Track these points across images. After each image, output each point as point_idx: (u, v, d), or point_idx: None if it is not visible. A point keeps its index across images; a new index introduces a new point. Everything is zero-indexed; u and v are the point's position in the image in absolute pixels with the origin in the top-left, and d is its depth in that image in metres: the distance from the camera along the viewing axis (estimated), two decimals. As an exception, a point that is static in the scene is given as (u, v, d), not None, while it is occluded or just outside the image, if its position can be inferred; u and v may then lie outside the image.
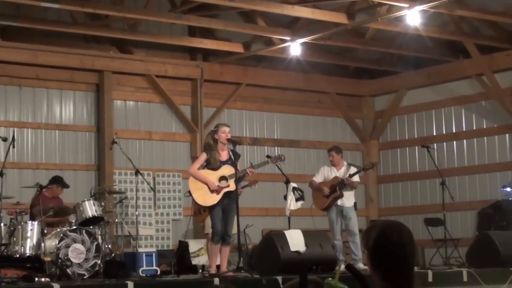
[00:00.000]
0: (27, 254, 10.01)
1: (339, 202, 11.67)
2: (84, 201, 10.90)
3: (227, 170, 9.86)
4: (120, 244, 12.45)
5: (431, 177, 14.93)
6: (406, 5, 12.18)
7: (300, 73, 15.54)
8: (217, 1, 12.33)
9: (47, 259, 9.65)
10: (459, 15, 13.68)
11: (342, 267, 9.09)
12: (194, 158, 13.49)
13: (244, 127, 15.42)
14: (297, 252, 10.11)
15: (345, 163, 12.07)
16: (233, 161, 9.92)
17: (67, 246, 10.05)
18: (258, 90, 15.52)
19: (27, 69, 13.15)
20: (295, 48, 14.04)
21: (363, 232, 11.51)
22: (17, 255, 9.99)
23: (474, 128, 15.26)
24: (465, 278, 10.47)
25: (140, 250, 11.92)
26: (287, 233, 10.33)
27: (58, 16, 13.38)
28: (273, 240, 10.17)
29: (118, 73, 13.99)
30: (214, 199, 9.81)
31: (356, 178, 11.85)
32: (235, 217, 9.87)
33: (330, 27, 13.62)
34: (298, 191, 10.75)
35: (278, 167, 10.64)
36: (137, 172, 12.18)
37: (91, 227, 10.75)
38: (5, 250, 10.14)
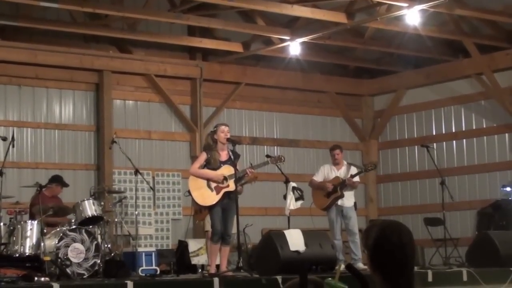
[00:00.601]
0: (27, 254, 10.01)
1: (339, 202, 11.66)
2: (84, 200, 10.90)
3: (226, 170, 9.85)
4: (119, 244, 12.46)
5: (431, 176, 14.92)
6: (406, 5, 12.17)
7: (299, 73, 15.54)
8: (217, 0, 12.33)
9: (47, 258, 9.65)
10: (459, 15, 13.68)
11: (342, 266, 9.08)
12: (193, 157, 13.49)
13: (244, 126, 15.42)
14: (297, 251, 10.11)
15: (345, 162, 12.07)
16: (232, 161, 9.92)
17: (67, 246, 10.05)
18: (258, 89, 15.52)
19: (27, 68, 13.14)
20: (294, 47, 14.03)
21: (362, 231, 11.55)
22: (17, 255, 10.00)
23: (474, 127, 15.26)
24: (464, 278, 10.47)
25: (139, 249, 11.93)
26: (287, 232, 10.33)
27: (57, 16, 13.38)
28: (273, 240, 10.17)
29: (118, 73, 13.99)
30: (213, 198, 9.81)
31: (356, 178, 11.86)
32: (235, 217, 9.87)
33: (329, 26, 13.62)
34: (298, 191, 10.74)
35: (277, 167, 10.63)
36: (136, 172, 12.19)
37: (91, 226, 10.76)
38: (5, 250, 10.14)
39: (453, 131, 15.57)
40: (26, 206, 11.04)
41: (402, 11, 12.37)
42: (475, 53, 14.64)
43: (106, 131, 13.55)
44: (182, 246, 12.71)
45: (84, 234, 10.24)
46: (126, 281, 8.64)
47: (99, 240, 10.55)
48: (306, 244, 10.21)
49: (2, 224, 10.38)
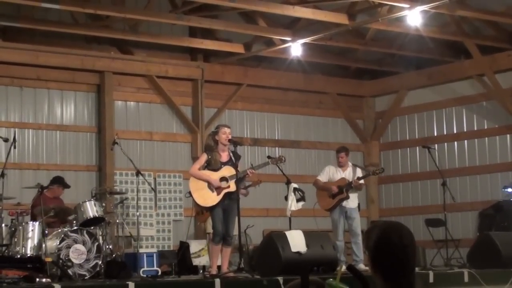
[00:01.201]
0: (28, 255, 10.00)
1: (343, 203, 11.66)
2: (85, 201, 10.89)
3: (227, 171, 9.86)
4: (121, 245, 12.44)
5: (432, 177, 14.92)
6: (407, 6, 12.18)
7: (300, 74, 15.54)
8: (218, 1, 12.33)
9: (48, 259, 9.64)
10: (460, 16, 13.68)
11: (343, 268, 9.08)
12: (195, 158, 13.48)
13: (245, 127, 15.42)
14: (298, 252, 10.10)
15: (350, 163, 12.05)
16: (233, 162, 9.92)
17: (68, 247, 10.05)
18: (259, 90, 15.52)
19: (28, 69, 13.15)
20: (295, 48, 14.04)
21: (364, 233, 11.53)
22: (18, 256, 9.99)
23: (475, 128, 15.26)
24: (466, 279, 10.47)
25: (141, 250, 11.92)
26: (288, 233, 10.32)
27: (59, 17, 13.39)
28: (274, 241, 10.16)
29: (119, 74, 14.00)
30: (214, 199, 9.81)
31: (361, 180, 11.83)
32: (236, 218, 9.86)
33: (330, 27, 13.61)
34: (299, 192, 10.73)
35: (279, 168, 10.63)
36: (138, 173, 12.18)
37: (92, 227, 10.75)
38: (6, 251, 10.14)
39: (455, 132, 15.57)
40: (28, 207, 11.04)
41: (403, 12, 12.37)
42: (477, 54, 14.64)
43: (108, 132, 13.56)
44: (184, 247, 12.70)
45: (86, 235, 10.24)
46: (127, 282, 8.66)
47: (101, 241, 10.54)
48: (307, 245, 10.20)
49: (3, 225, 10.38)
